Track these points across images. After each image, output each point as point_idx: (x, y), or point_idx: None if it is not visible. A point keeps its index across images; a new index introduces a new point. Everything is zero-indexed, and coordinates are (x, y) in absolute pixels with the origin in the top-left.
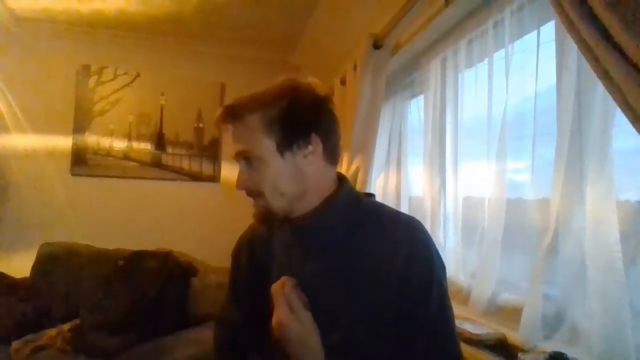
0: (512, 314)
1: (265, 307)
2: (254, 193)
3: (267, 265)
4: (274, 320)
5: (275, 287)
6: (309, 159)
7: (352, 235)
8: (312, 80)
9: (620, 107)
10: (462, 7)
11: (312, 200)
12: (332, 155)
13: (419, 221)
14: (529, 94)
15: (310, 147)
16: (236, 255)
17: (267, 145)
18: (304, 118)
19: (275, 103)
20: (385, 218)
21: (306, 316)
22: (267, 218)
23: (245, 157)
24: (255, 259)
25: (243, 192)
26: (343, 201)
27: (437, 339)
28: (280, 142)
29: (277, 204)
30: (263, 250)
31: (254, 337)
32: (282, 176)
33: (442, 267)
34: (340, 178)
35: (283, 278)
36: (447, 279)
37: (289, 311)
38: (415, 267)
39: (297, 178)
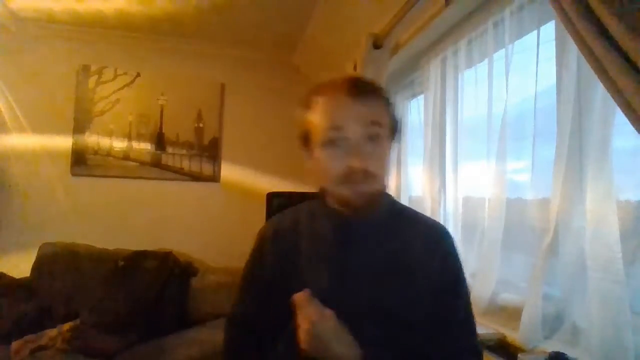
0: (512, 314)
1: (289, 303)
2: (370, 174)
3: (294, 258)
4: (303, 323)
5: (297, 297)
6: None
7: (392, 231)
8: None
9: (620, 107)
10: (462, 7)
11: None
12: None
13: (445, 227)
14: (529, 94)
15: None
16: (259, 250)
17: (387, 127)
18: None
19: (386, 95)
20: (417, 218)
21: (332, 314)
22: (373, 202)
23: (375, 134)
24: (281, 253)
25: (243, 192)
26: (388, 199)
27: (463, 332)
28: (392, 129)
29: (381, 188)
30: (289, 243)
31: (272, 335)
32: (388, 163)
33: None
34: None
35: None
36: None
37: (317, 311)
38: (448, 264)
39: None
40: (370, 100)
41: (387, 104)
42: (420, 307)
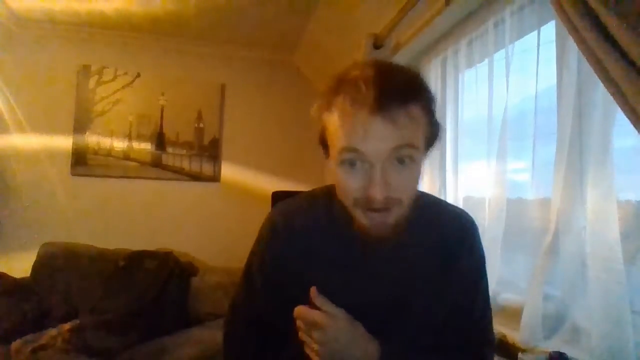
0: (512, 314)
1: (298, 303)
2: (394, 202)
3: (307, 259)
4: (313, 338)
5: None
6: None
7: (416, 233)
8: None
9: (620, 107)
10: (462, 7)
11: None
12: None
13: (469, 215)
14: (530, 94)
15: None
16: (269, 244)
17: (423, 142)
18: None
19: (425, 88)
20: (441, 211)
21: (341, 312)
22: (395, 231)
23: (405, 157)
24: (294, 251)
25: (243, 192)
26: (419, 212)
27: (481, 325)
28: (429, 139)
29: (407, 213)
30: (302, 243)
31: (278, 334)
32: (418, 182)
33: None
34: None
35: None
36: None
37: (327, 312)
38: (472, 259)
39: (417, 184)
40: (401, 113)
41: (426, 107)
42: (443, 305)
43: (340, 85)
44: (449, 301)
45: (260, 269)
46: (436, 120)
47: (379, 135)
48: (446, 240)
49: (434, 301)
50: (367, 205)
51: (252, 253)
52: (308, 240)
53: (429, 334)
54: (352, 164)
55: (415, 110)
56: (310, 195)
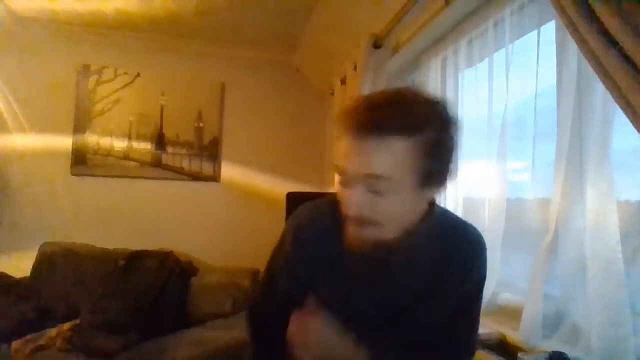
0: (512, 313)
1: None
2: (369, 222)
3: (331, 258)
4: (300, 334)
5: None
6: (434, 194)
7: (428, 244)
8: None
9: (620, 107)
10: (462, 7)
11: (413, 221)
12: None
13: (481, 236)
14: (529, 94)
15: (444, 184)
16: (302, 236)
17: (405, 177)
18: (451, 149)
19: (427, 126)
20: (456, 230)
21: (329, 322)
22: (373, 248)
23: (374, 184)
24: (320, 249)
25: (243, 192)
26: (434, 224)
27: (465, 343)
28: (422, 176)
29: (392, 235)
30: (328, 243)
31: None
32: (409, 210)
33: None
34: (433, 202)
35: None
36: None
37: (316, 321)
38: (474, 279)
39: (415, 213)
40: (377, 145)
41: (420, 145)
42: (442, 317)
43: (344, 112)
44: (448, 313)
45: (285, 269)
46: (442, 158)
47: (353, 160)
48: (454, 254)
49: (434, 312)
50: (350, 220)
51: (277, 253)
52: (327, 244)
53: (422, 346)
54: (341, 180)
55: (398, 145)
56: (330, 202)
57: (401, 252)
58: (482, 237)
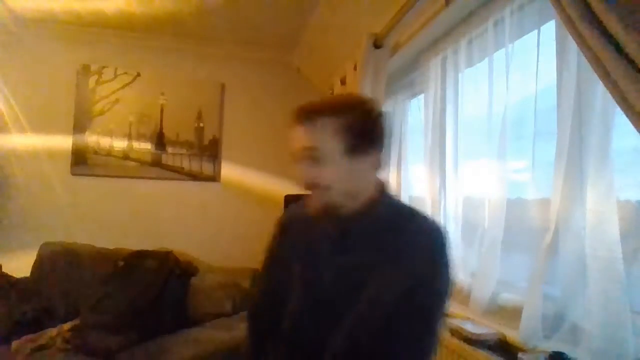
0: (512, 314)
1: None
2: (320, 187)
3: (296, 247)
4: None
5: None
6: (367, 165)
7: (384, 236)
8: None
9: (620, 107)
10: (462, 7)
11: (360, 201)
12: (380, 164)
13: (440, 227)
14: (529, 94)
15: (370, 156)
16: (275, 235)
17: (334, 147)
18: (371, 130)
19: (347, 112)
20: (412, 220)
21: None
22: (325, 210)
23: (310, 154)
24: (289, 240)
25: (243, 192)
26: (385, 206)
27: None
28: (348, 147)
29: (337, 198)
30: (296, 232)
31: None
32: (344, 176)
33: (446, 280)
34: (383, 183)
35: None
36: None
37: None
38: (425, 265)
39: (355, 180)
40: (307, 126)
41: (343, 123)
42: (386, 308)
43: (294, 110)
44: (395, 299)
45: (270, 257)
46: (358, 133)
47: (296, 140)
48: (405, 241)
49: (384, 293)
50: (304, 188)
51: (266, 249)
52: (297, 232)
53: (373, 334)
54: (293, 159)
55: (324, 123)
56: (307, 197)
57: (355, 226)
58: (442, 233)
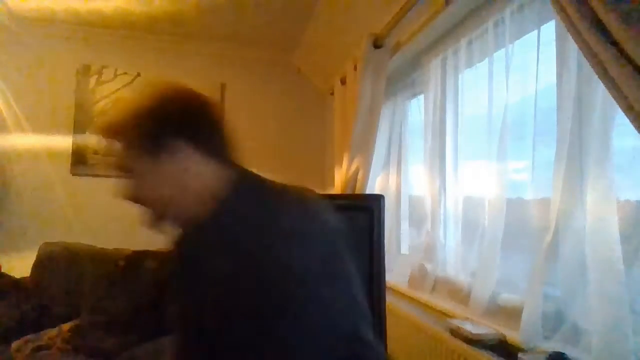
0: (512, 314)
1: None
2: (140, 201)
3: (174, 270)
4: None
5: None
6: (181, 162)
7: (242, 223)
8: (183, 86)
9: (620, 107)
10: (462, 7)
11: (202, 201)
12: (216, 153)
13: (311, 197)
14: (530, 94)
15: (179, 152)
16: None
17: (138, 156)
18: (165, 126)
19: (138, 117)
20: (279, 196)
21: None
22: (154, 224)
23: (123, 170)
24: (171, 264)
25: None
26: (241, 197)
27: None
28: (148, 152)
29: (160, 208)
30: (176, 250)
31: None
32: (158, 182)
33: (319, 243)
34: (233, 174)
35: None
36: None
37: None
38: (305, 242)
39: (174, 181)
40: (113, 143)
41: (131, 133)
42: (259, 297)
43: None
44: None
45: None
46: (151, 134)
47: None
48: (273, 226)
49: (258, 292)
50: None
51: None
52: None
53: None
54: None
55: (123, 137)
56: None
57: (210, 234)
58: (318, 204)
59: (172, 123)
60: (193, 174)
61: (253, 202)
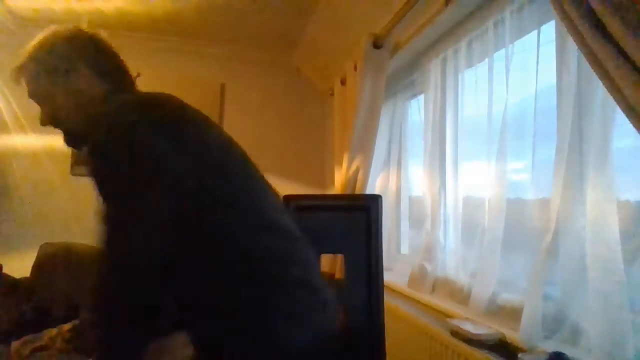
0: (512, 314)
1: None
2: (54, 124)
3: None
4: None
5: None
6: (80, 85)
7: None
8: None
9: (620, 107)
10: (462, 7)
11: (88, 120)
12: (110, 76)
13: (150, 100)
14: (529, 94)
15: (78, 77)
16: None
17: (44, 84)
18: (61, 55)
19: (37, 51)
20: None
21: None
22: (69, 144)
23: (35, 100)
24: None
25: None
26: (105, 109)
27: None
28: (51, 78)
29: (72, 127)
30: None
31: None
32: (67, 104)
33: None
34: (106, 92)
35: None
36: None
37: None
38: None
39: (76, 102)
40: (22, 79)
41: (35, 66)
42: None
43: None
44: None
45: None
46: (51, 62)
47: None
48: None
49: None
50: None
51: None
52: None
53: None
54: None
55: (27, 71)
56: None
57: (88, 152)
58: (133, 107)
59: (65, 50)
60: (86, 96)
61: (112, 119)
